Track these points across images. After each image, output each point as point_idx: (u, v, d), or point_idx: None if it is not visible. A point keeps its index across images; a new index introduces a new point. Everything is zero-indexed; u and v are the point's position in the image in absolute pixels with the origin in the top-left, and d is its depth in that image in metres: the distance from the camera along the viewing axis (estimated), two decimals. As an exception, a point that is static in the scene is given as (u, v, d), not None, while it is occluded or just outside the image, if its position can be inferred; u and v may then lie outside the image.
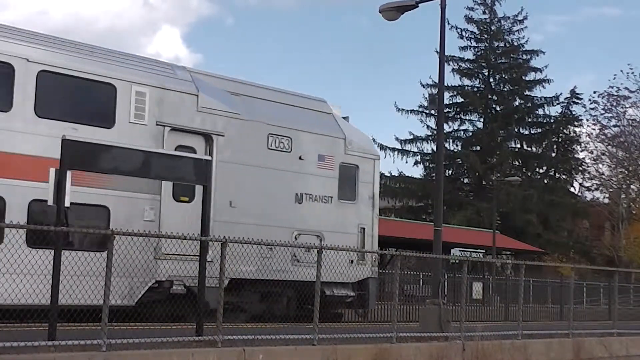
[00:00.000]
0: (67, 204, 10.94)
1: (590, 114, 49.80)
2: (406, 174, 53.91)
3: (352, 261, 15.00)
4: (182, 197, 16.99)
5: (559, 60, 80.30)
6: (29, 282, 12.14)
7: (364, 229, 20.45)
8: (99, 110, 16.50)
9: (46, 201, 10.91)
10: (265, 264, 14.44)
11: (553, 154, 55.56)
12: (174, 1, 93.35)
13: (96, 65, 16.46)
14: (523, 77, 52.19)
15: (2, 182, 14.73)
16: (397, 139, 52.74)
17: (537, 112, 52.98)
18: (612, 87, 48.23)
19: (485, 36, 51.94)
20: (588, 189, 55.84)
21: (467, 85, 51.98)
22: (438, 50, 18.22)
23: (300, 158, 19.23)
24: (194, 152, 16.87)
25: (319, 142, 19.58)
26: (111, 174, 12.32)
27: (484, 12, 51.81)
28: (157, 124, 16.85)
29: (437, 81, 23.08)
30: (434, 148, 48.50)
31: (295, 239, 18.38)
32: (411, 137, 52.14)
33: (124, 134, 16.12)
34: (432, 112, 49.80)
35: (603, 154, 49.75)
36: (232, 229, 16.03)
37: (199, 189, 15.49)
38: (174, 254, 13.59)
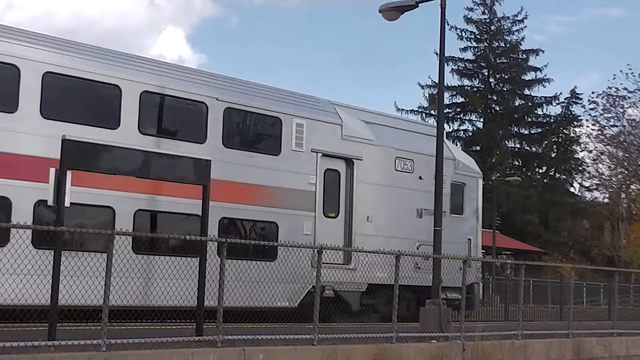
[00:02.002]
0: (67, 203, 10.94)
1: (590, 114, 49.86)
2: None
3: (460, 268, 16.09)
4: (330, 214, 19.69)
5: (562, 60, 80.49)
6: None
7: (470, 239, 22.99)
8: (269, 140, 18.99)
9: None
10: (392, 270, 15.34)
11: (553, 154, 55.56)
12: (178, 1, 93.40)
13: (265, 102, 18.90)
14: (522, 77, 52.21)
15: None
16: (397, 139, 52.59)
17: (537, 112, 53.00)
18: (611, 88, 48.30)
19: (485, 36, 51.95)
20: (588, 188, 55.89)
21: (467, 86, 52.00)
22: (438, 50, 18.23)
23: (420, 178, 21.59)
24: (339, 174, 20.03)
25: (434, 164, 20.43)
26: (111, 174, 12.33)
27: (484, 12, 51.85)
28: (311, 151, 19.32)
29: (436, 81, 23.10)
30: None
31: (417, 248, 20.68)
32: (411, 137, 51.93)
33: (288, 160, 18.75)
34: (432, 112, 49.79)
35: (602, 154, 49.77)
36: (370, 241, 19.01)
37: (342, 206, 19.78)
38: (325, 263, 14.71)
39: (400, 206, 21.09)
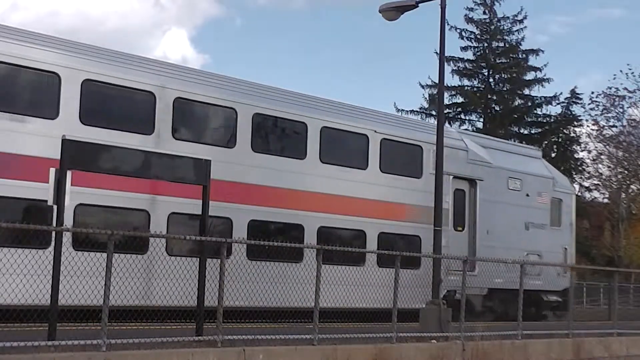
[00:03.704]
0: (67, 203, 10.94)
1: (590, 115, 49.81)
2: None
3: (558, 274, 19.36)
4: (458, 228, 22.62)
5: (564, 60, 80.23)
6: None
7: (566, 249, 26.00)
8: (413, 165, 21.75)
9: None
10: (506, 277, 18.41)
11: (553, 154, 55.48)
12: (182, 2, 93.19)
13: (410, 133, 22.09)
14: (522, 77, 52.18)
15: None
16: (397, 139, 52.53)
17: (537, 111, 52.95)
18: (611, 88, 48.25)
19: (485, 36, 51.90)
20: (587, 189, 55.78)
21: (467, 86, 51.97)
22: (438, 50, 18.22)
23: (527, 195, 24.69)
24: (464, 193, 22.92)
25: (537, 182, 25.18)
26: (112, 174, 12.33)
27: (484, 12, 51.80)
28: (445, 174, 20.37)
29: (436, 81, 23.21)
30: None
31: (525, 257, 22.70)
32: (411, 137, 51.88)
33: (427, 182, 20.66)
34: (432, 112, 49.76)
35: (601, 154, 49.71)
36: (489, 251, 21.58)
37: (467, 221, 22.68)
38: (455, 270, 17.73)
39: (511, 220, 24.00)
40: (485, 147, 24.26)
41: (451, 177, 22.26)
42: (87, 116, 16.22)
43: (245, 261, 16.95)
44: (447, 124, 24.77)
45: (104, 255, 10.74)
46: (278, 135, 19.63)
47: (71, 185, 11.55)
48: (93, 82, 16.44)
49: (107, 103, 16.90)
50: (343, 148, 20.57)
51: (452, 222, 22.36)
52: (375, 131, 20.91)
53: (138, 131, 16.77)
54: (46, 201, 11.95)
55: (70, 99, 16.05)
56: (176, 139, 17.38)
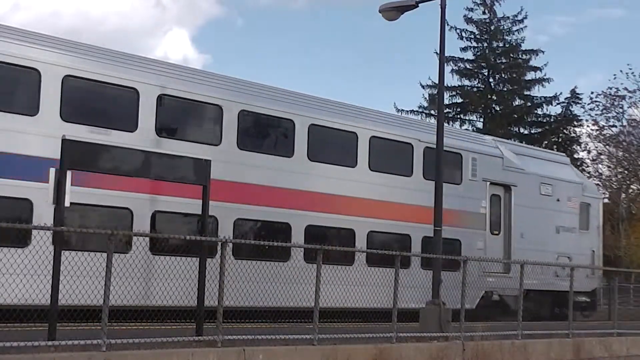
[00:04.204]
0: (67, 203, 10.94)
1: (590, 115, 49.80)
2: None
3: (587, 275, 20.54)
4: (494, 232, 23.83)
5: (565, 61, 79.99)
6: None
7: (593, 251, 27.08)
8: (454, 172, 22.61)
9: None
10: (540, 278, 20.03)
11: (553, 154, 55.47)
12: (183, 2, 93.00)
13: (451, 140, 22.02)
14: (522, 77, 52.15)
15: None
16: (397, 139, 52.45)
17: (537, 112, 52.91)
18: (611, 88, 48.24)
19: (485, 36, 51.88)
20: (588, 189, 55.79)
21: (467, 86, 51.93)
22: (438, 51, 18.21)
23: (557, 200, 25.83)
24: (500, 198, 24.08)
25: (567, 188, 26.32)
26: (112, 174, 12.33)
27: (484, 13, 51.76)
28: (482, 180, 23.37)
29: (436, 81, 23.23)
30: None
31: (557, 259, 24.65)
32: (411, 137, 51.79)
33: (466, 188, 22.86)
34: (432, 112, 49.73)
35: (601, 154, 49.69)
36: (523, 254, 22.26)
37: (502, 225, 23.89)
38: (492, 272, 19.42)
39: (543, 224, 25.13)
40: (518, 154, 25.47)
41: (488, 183, 23.67)
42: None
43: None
44: (481, 134, 26.35)
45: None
46: (331, 145, 20.56)
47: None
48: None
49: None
50: (390, 157, 21.73)
51: (489, 226, 23.66)
52: (419, 140, 21.98)
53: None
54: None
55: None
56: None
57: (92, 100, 16.49)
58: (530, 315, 22.97)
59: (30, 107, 15.45)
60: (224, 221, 17.25)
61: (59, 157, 11.01)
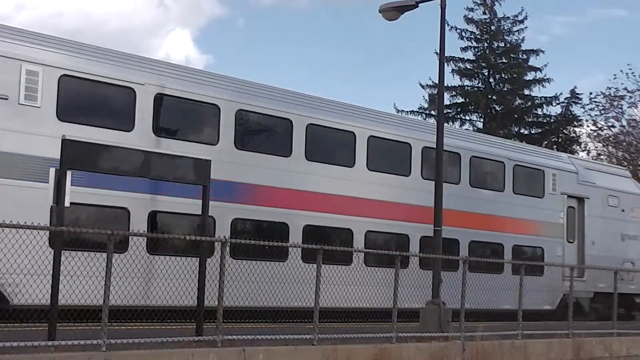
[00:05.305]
0: (66, 203, 10.94)
1: (590, 115, 49.81)
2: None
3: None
4: (570, 240, 26.01)
5: (566, 61, 79.72)
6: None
7: None
8: (536, 187, 25.21)
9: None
10: (609, 282, 21.03)
11: (553, 154, 55.41)
12: (185, 3, 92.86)
13: (533, 158, 25.80)
14: (523, 77, 52.10)
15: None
16: (397, 139, 52.32)
17: (537, 112, 52.87)
18: (610, 88, 48.25)
19: (485, 36, 51.81)
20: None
21: (467, 86, 51.88)
22: (438, 51, 18.21)
23: (622, 210, 28.09)
24: (574, 210, 26.30)
25: (630, 199, 28.63)
26: (112, 174, 12.33)
27: (484, 13, 51.70)
28: (561, 193, 25.90)
29: (436, 81, 23.20)
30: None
31: (622, 264, 26.22)
32: (411, 137, 51.66)
33: (548, 201, 25.35)
34: (432, 112, 49.70)
35: (600, 155, 49.66)
36: (594, 260, 25.46)
37: (576, 234, 26.13)
38: (569, 277, 20.81)
39: (611, 233, 27.33)
40: (588, 169, 27.80)
41: (565, 196, 26.08)
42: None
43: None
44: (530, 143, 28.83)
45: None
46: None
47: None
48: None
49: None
50: (486, 173, 24.27)
51: (566, 235, 25.95)
52: (508, 159, 24.57)
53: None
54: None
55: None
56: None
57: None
58: (599, 315, 25.15)
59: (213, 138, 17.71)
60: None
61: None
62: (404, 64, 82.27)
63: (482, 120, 52.48)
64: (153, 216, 16.50)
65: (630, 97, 47.51)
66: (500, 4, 51.53)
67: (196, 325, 12.04)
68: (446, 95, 47.52)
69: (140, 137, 16.20)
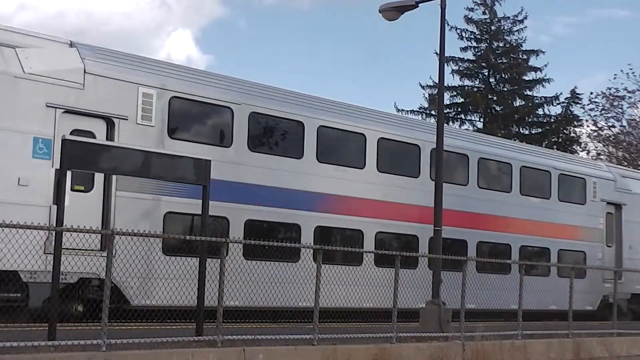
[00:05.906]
0: (66, 203, 10.94)
1: (590, 115, 49.81)
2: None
3: None
4: (608, 244, 27.39)
5: (567, 61, 79.64)
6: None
7: None
8: (578, 194, 26.57)
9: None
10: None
11: (553, 154, 55.35)
12: (187, 3, 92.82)
13: (577, 167, 27.32)
14: (523, 77, 52.07)
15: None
16: (397, 139, 52.27)
17: (537, 112, 52.85)
18: (610, 89, 48.26)
19: (485, 36, 51.79)
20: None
21: (467, 86, 51.85)
22: (438, 51, 18.20)
23: None
24: (613, 216, 27.60)
25: None
26: (112, 173, 12.34)
27: (484, 13, 51.68)
28: (600, 200, 27.13)
29: (436, 81, 23.19)
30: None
31: None
32: (411, 137, 51.61)
33: (589, 207, 26.66)
34: (432, 112, 49.68)
35: (599, 155, 49.65)
36: (631, 263, 27.04)
37: (615, 238, 27.58)
38: (608, 279, 22.76)
39: None
40: (624, 177, 29.20)
41: (604, 203, 27.31)
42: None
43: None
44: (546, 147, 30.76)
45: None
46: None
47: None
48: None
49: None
50: (534, 181, 25.55)
51: (605, 239, 27.23)
52: (554, 168, 25.96)
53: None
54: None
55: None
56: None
57: (336, 145, 20.15)
58: (636, 315, 26.72)
59: (297, 152, 19.22)
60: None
61: (322, 191, 19.17)
62: (404, 64, 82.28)
63: (482, 120, 52.44)
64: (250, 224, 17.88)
65: (631, 97, 47.48)
66: (500, 4, 51.48)
67: (196, 325, 12.04)
68: (446, 95, 47.51)
69: (237, 152, 17.77)
